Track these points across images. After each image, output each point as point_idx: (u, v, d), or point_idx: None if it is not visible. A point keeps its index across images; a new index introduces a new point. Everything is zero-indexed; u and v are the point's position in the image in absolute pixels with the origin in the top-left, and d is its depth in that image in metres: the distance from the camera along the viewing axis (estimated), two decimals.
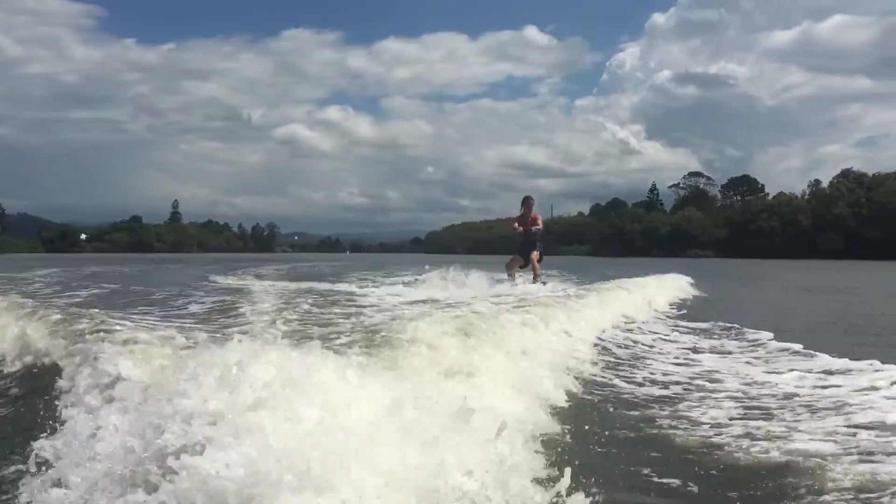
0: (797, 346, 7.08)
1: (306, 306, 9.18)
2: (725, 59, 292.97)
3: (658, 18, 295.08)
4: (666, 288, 16.22)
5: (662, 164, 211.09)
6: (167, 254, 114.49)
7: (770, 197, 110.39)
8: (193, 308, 10.14)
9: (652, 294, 13.63)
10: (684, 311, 12.10)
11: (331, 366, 2.99)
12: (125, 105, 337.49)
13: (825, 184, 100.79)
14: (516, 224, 16.16)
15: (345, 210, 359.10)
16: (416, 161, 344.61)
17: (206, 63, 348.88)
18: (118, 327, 5.77)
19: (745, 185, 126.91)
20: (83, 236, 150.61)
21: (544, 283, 15.04)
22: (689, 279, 19.67)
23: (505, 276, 16.12)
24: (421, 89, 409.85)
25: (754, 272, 37.80)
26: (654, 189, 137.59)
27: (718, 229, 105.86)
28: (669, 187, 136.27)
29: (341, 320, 7.80)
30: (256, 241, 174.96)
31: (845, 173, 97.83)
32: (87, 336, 5.25)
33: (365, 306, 9.62)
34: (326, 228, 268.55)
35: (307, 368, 2.82)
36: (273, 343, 3.36)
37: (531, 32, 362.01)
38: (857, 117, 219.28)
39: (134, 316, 8.36)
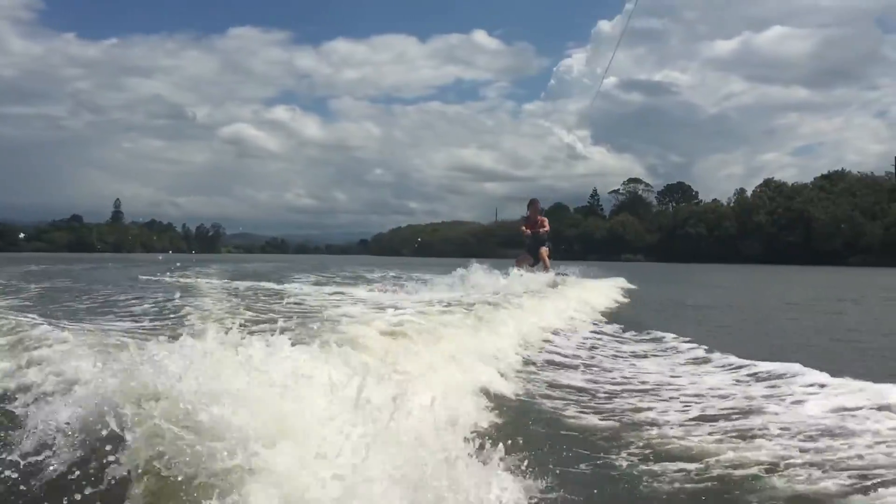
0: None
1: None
2: (669, 67, 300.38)
3: (604, 26, 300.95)
4: (597, 290, 16.67)
5: (608, 169, 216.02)
6: (109, 254, 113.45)
7: (703, 204, 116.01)
8: (137, 307, 10.40)
9: (585, 296, 14.02)
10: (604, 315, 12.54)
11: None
12: (65, 101, 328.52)
13: (749, 192, 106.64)
14: (524, 227, 16.95)
15: (292, 211, 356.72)
16: (365, 163, 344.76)
17: (150, 60, 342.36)
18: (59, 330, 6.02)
19: (679, 191, 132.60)
20: (21, 235, 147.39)
21: (553, 273, 15.81)
22: (623, 282, 20.81)
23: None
24: (369, 91, 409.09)
25: (666, 276, 41.09)
26: (594, 194, 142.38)
27: (650, 234, 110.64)
28: (610, 193, 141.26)
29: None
30: (201, 242, 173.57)
31: (767, 182, 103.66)
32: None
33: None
34: (273, 229, 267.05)
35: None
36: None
37: (480, 36, 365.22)
38: (795, 126, 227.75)
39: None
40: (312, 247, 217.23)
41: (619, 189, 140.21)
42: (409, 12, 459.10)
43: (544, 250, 16.72)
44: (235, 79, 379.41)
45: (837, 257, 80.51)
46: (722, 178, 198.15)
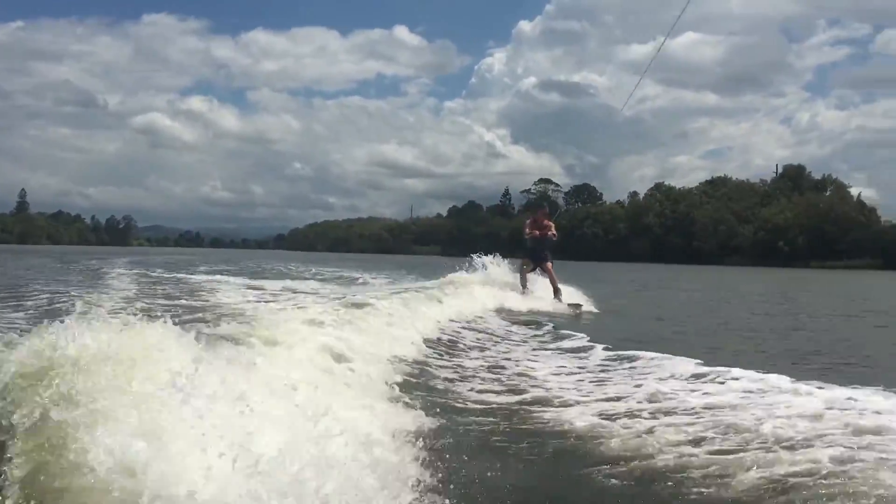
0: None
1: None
2: (587, 69, 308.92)
3: (525, 26, 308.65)
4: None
5: (527, 168, 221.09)
6: (13, 245, 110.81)
7: (601, 205, 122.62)
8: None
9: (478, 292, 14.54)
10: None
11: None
12: None
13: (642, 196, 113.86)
14: (528, 229, 16.28)
15: (207, 204, 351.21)
16: (283, 156, 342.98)
17: (59, 44, 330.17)
18: None
19: (586, 192, 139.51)
20: None
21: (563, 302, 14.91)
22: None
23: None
24: (289, 83, 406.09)
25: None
26: (506, 194, 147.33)
27: None
28: (521, 192, 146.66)
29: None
30: (111, 234, 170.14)
31: (657, 186, 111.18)
32: None
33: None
34: (187, 222, 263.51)
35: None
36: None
37: (401, 32, 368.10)
38: (705, 130, 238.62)
39: None
40: (228, 241, 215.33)
41: (530, 189, 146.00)
42: (331, 6, 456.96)
43: (549, 265, 15.84)
44: (149, 67, 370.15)
45: (714, 257, 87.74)
46: (636, 179, 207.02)
